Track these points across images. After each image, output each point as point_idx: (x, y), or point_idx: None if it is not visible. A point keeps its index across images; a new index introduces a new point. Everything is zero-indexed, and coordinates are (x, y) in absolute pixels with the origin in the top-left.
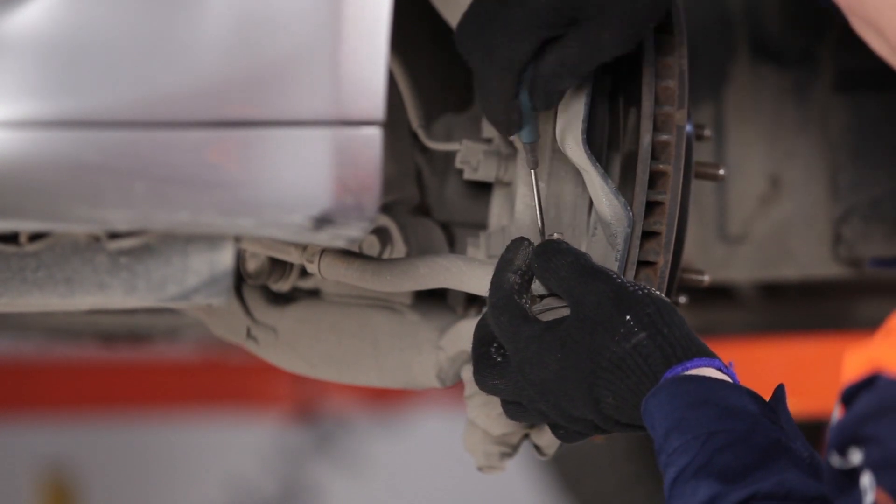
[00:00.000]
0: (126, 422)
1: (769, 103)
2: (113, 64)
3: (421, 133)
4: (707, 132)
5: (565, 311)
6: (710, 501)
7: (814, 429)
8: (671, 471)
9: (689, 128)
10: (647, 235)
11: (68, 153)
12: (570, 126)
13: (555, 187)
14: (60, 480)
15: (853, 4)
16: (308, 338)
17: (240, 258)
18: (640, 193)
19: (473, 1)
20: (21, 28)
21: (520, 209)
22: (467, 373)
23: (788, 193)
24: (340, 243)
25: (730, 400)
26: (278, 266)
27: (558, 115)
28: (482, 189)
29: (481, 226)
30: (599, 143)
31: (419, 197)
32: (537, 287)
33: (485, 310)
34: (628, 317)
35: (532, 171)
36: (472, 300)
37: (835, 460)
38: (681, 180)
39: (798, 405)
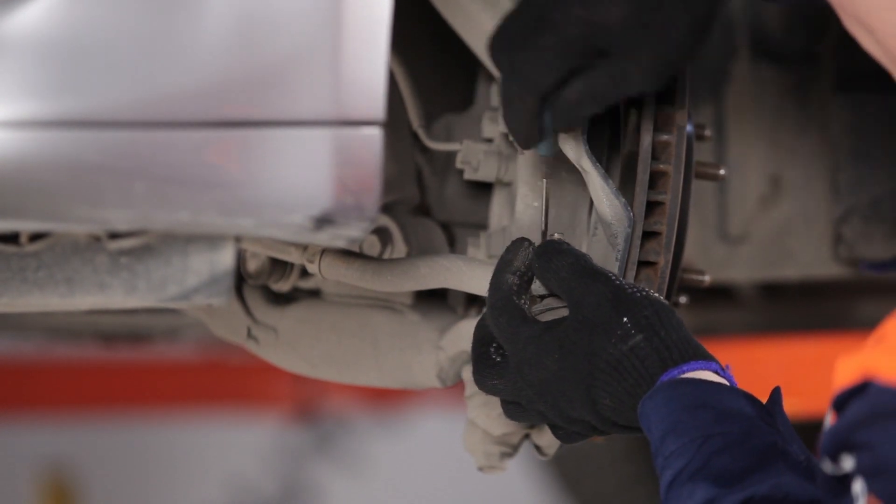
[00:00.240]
0: (126, 422)
1: (769, 103)
2: (113, 64)
3: (421, 133)
4: (707, 132)
5: (565, 312)
6: None
7: (813, 429)
8: (667, 474)
9: (689, 128)
10: (648, 235)
11: (68, 153)
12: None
13: (555, 187)
14: (60, 480)
15: (845, 3)
16: (308, 338)
17: (240, 258)
18: (641, 193)
19: (510, 14)
20: (21, 28)
21: (520, 209)
22: (467, 373)
23: (789, 193)
24: (341, 243)
25: (726, 403)
26: (279, 266)
27: None
28: (482, 189)
29: (482, 226)
30: (600, 144)
31: (419, 197)
32: (537, 287)
33: (484, 310)
34: (626, 319)
35: (544, 180)
36: (473, 300)
37: (827, 466)
38: (681, 180)
39: (798, 405)
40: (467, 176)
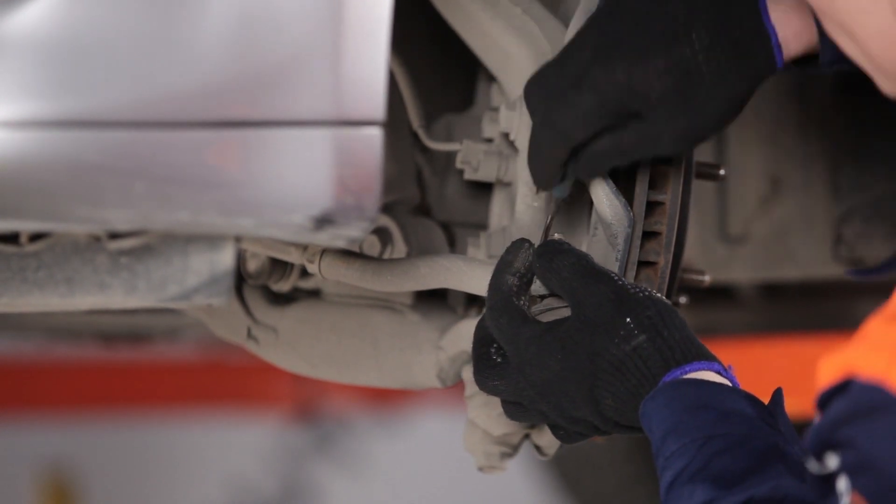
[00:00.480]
0: (126, 422)
1: (770, 103)
2: (113, 64)
3: (421, 133)
4: None
5: (565, 311)
6: None
7: None
8: (668, 474)
9: None
10: (648, 235)
11: (69, 153)
12: None
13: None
14: (60, 480)
15: (825, 7)
16: (308, 338)
17: (240, 258)
18: (641, 193)
19: (551, 64)
20: (21, 28)
21: (520, 209)
22: (468, 373)
23: (789, 193)
24: (341, 243)
25: (727, 404)
26: (279, 266)
27: None
28: (483, 189)
29: (482, 226)
30: None
31: (420, 197)
32: (537, 287)
33: (484, 310)
34: (628, 319)
35: (550, 216)
36: (473, 300)
37: (813, 466)
38: (681, 180)
39: (798, 405)
40: (467, 176)
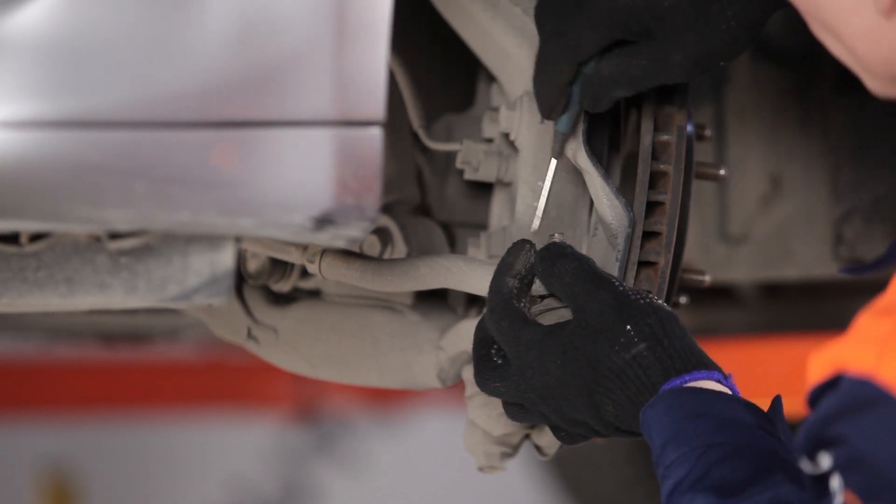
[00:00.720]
0: (126, 422)
1: (770, 103)
2: (113, 64)
3: (421, 133)
4: (708, 132)
5: (565, 312)
6: None
7: None
8: (668, 483)
9: (689, 128)
10: (648, 236)
11: (69, 153)
12: None
13: (556, 187)
14: (60, 480)
15: (810, 8)
16: (309, 338)
17: (240, 258)
18: (641, 194)
19: None
20: (21, 28)
21: (520, 209)
22: (468, 373)
23: (789, 193)
24: (341, 243)
25: (727, 412)
26: (279, 266)
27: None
28: (483, 189)
29: (482, 226)
30: (600, 144)
31: (420, 197)
32: (537, 287)
33: (484, 311)
34: (629, 326)
35: (553, 159)
36: (473, 300)
37: (806, 466)
38: (681, 180)
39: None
40: (467, 176)
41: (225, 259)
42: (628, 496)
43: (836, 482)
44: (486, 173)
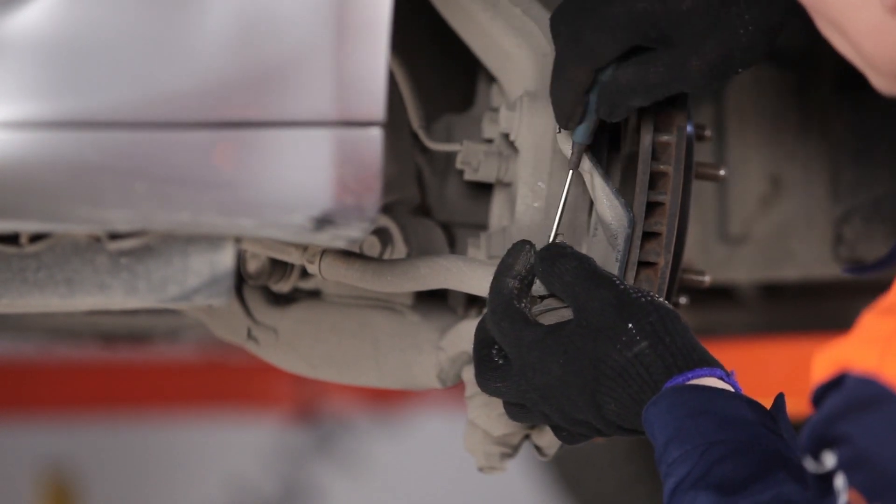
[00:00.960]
0: (126, 422)
1: (770, 103)
2: (113, 64)
3: (421, 133)
4: (708, 132)
5: (566, 312)
6: None
7: None
8: (670, 481)
9: (689, 128)
10: (648, 236)
11: (69, 154)
12: None
13: (556, 188)
14: (60, 480)
15: (817, 4)
16: (309, 338)
17: (240, 259)
18: (641, 194)
19: None
20: (21, 28)
21: (520, 210)
22: (468, 373)
23: (789, 194)
24: (341, 244)
25: (729, 410)
26: (279, 267)
27: None
28: (483, 189)
29: (482, 226)
30: (600, 144)
31: (420, 197)
32: (537, 287)
33: (485, 311)
34: (630, 325)
35: (570, 171)
36: (473, 301)
37: (810, 465)
38: (681, 181)
39: (798, 406)
40: (467, 176)
41: (225, 259)
42: (628, 496)
43: (839, 481)
44: (485, 174)
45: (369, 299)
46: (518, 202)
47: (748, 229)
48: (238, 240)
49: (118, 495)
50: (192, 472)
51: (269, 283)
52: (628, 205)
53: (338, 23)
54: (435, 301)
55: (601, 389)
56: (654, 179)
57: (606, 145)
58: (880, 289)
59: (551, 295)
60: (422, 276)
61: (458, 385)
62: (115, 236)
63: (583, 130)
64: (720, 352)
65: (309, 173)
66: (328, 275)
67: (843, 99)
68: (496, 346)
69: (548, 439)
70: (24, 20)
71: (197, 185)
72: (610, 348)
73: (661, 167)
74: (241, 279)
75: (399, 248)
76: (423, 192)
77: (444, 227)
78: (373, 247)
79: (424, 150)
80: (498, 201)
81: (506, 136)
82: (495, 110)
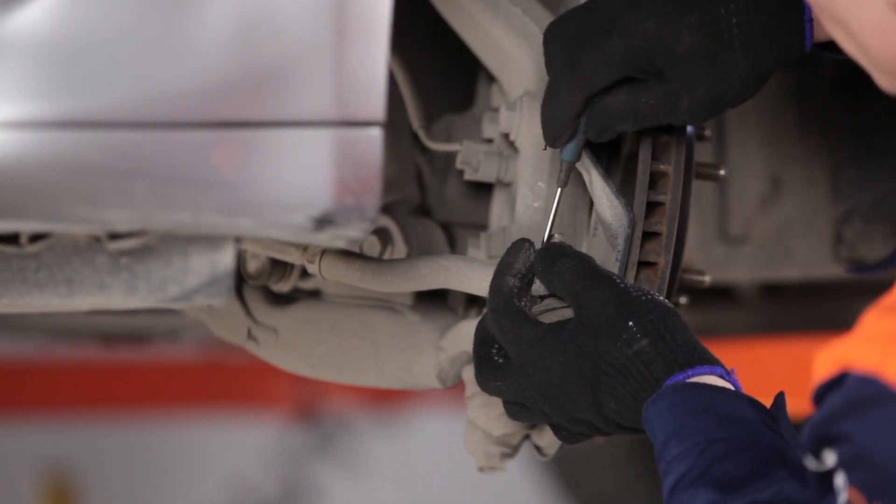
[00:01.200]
0: (126, 422)
1: (770, 104)
2: (114, 64)
3: (421, 133)
4: (708, 132)
5: (566, 311)
6: None
7: None
8: (670, 478)
9: (689, 128)
10: (648, 236)
11: (69, 154)
12: None
13: (556, 188)
14: (60, 480)
15: (822, 3)
16: (309, 338)
17: (240, 259)
18: (641, 194)
19: (578, 9)
20: (21, 28)
21: (520, 210)
22: (468, 373)
23: (789, 194)
24: (341, 244)
25: (729, 408)
26: (279, 267)
27: None
28: (483, 189)
29: (482, 226)
30: (600, 144)
31: (420, 197)
32: (537, 287)
33: (485, 311)
34: (631, 323)
35: (559, 188)
36: (473, 300)
37: (811, 463)
38: (681, 181)
39: (798, 406)
40: (467, 176)
41: (225, 259)
42: (628, 496)
43: (840, 479)
44: (485, 174)
45: (369, 299)
46: (518, 202)
47: (748, 229)
48: (238, 240)
49: (118, 495)
50: (192, 472)
51: (269, 283)
52: (628, 205)
53: (338, 23)
54: (435, 301)
55: (601, 387)
56: (654, 179)
57: (607, 145)
58: (881, 289)
59: (551, 295)
60: (422, 276)
61: (458, 385)
62: (115, 236)
63: (571, 149)
64: (720, 352)
65: (309, 173)
66: (328, 275)
67: (843, 99)
68: (496, 345)
69: (548, 439)
70: (24, 20)
71: (197, 185)
72: (610, 346)
73: (661, 167)
74: (241, 279)
75: (399, 248)
76: (423, 192)
77: (444, 227)
78: (373, 247)
79: (424, 150)
80: (498, 201)
81: (506, 136)
82: (495, 110)
